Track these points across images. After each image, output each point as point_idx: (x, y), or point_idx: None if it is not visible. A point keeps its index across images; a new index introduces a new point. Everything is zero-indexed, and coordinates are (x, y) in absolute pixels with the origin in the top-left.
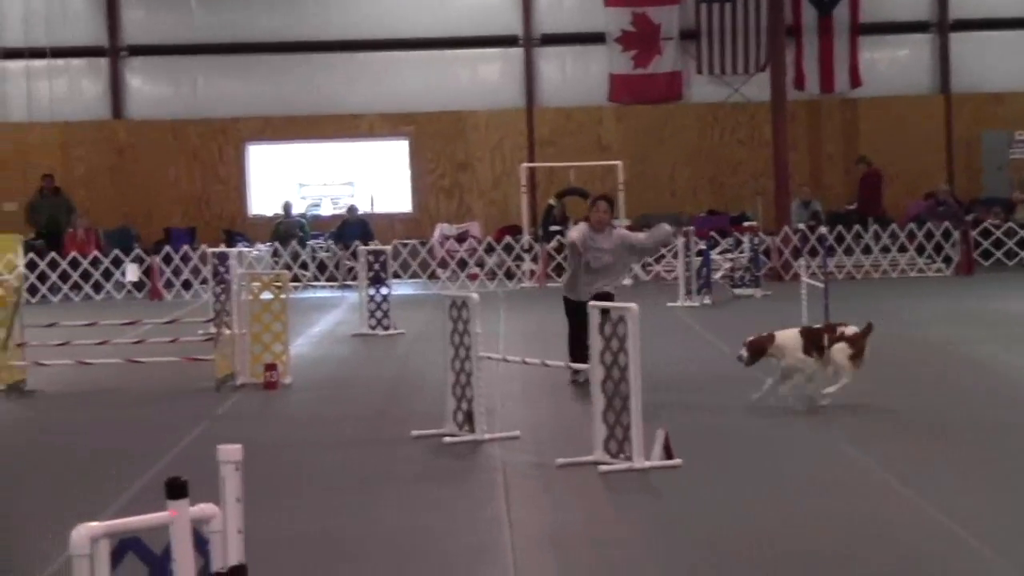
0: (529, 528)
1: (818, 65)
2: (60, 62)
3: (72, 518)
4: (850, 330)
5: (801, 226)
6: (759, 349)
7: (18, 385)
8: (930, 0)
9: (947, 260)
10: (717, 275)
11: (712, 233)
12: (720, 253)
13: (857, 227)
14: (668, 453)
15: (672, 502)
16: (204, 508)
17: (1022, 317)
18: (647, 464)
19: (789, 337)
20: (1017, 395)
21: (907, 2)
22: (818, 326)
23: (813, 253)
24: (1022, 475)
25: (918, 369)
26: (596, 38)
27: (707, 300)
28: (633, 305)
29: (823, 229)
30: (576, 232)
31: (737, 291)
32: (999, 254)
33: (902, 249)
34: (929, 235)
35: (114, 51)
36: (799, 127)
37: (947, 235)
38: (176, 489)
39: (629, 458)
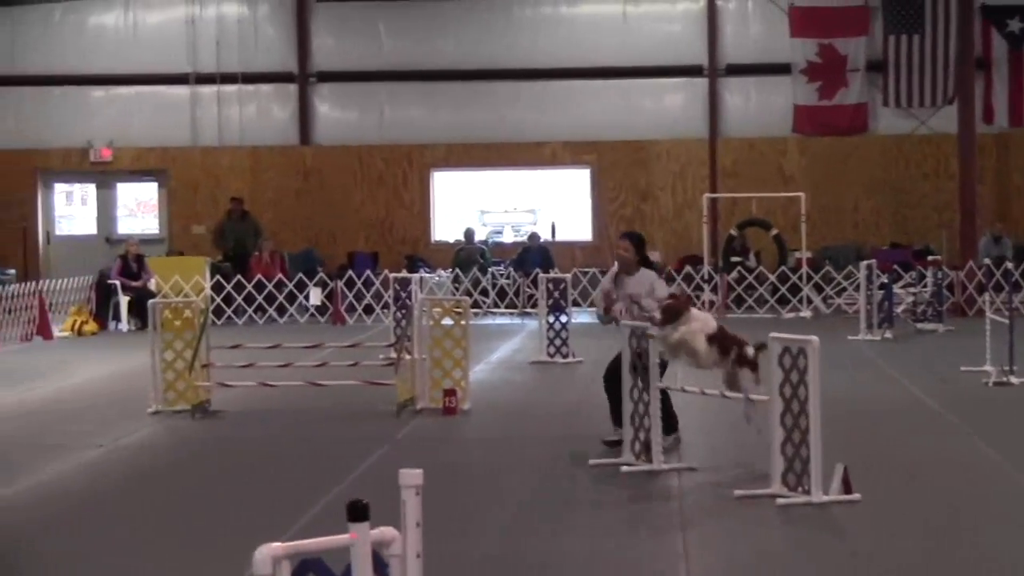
0: (705, 559)
1: (1007, 98)
2: (250, 87)
3: (254, 538)
4: (751, 351)
5: (987, 261)
6: (674, 310)
7: (203, 405)
8: None
9: None
10: (899, 309)
11: (895, 266)
12: (902, 287)
13: None
14: (847, 487)
15: (850, 537)
16: (384, 531)
17: None
18: (825, 498)
19: (704, 319)
20: None
21: None
22: (733, 334)
23: (998, 288)
24: None
25: None
26: (781, 69)
27: (888, 334)
28: (814, 338)
29: (1009, 264)
30: (606, 277)
31: (919, 326)
32: None
33: None
34: None
35: (303, 77)
36: (987, 160)
37: None
38: (357, 512)
39: (807, 492)
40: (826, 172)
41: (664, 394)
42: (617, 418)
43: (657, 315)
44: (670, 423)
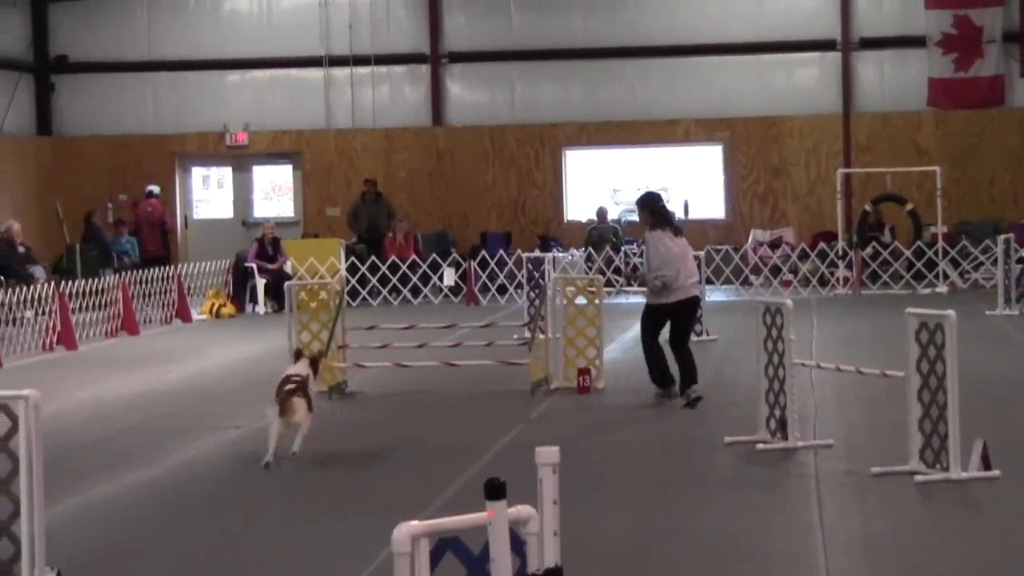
0: (842, 535)
1: None
2: (383, 69)
3: (392, 517)
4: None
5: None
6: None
7: (340, 386)
8: None
9: None
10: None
11: None
12: None
13: None
14: (986, 464)
15: (990, 513)
16: (521, 510)
17: None
18: (964, 475)
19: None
20: None
21: None
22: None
23: None
24: None
25: None
26: (916, 41)
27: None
28: (951, 313)
29: None
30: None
31: None
32: None
33: None
34: None
35: (435, 58)
36: None
37: None
38: (495, 490)
39: (946, 468)
40: (962, 146)
41: (687, 350)
42: (663, 377)
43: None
44: (691, 376)
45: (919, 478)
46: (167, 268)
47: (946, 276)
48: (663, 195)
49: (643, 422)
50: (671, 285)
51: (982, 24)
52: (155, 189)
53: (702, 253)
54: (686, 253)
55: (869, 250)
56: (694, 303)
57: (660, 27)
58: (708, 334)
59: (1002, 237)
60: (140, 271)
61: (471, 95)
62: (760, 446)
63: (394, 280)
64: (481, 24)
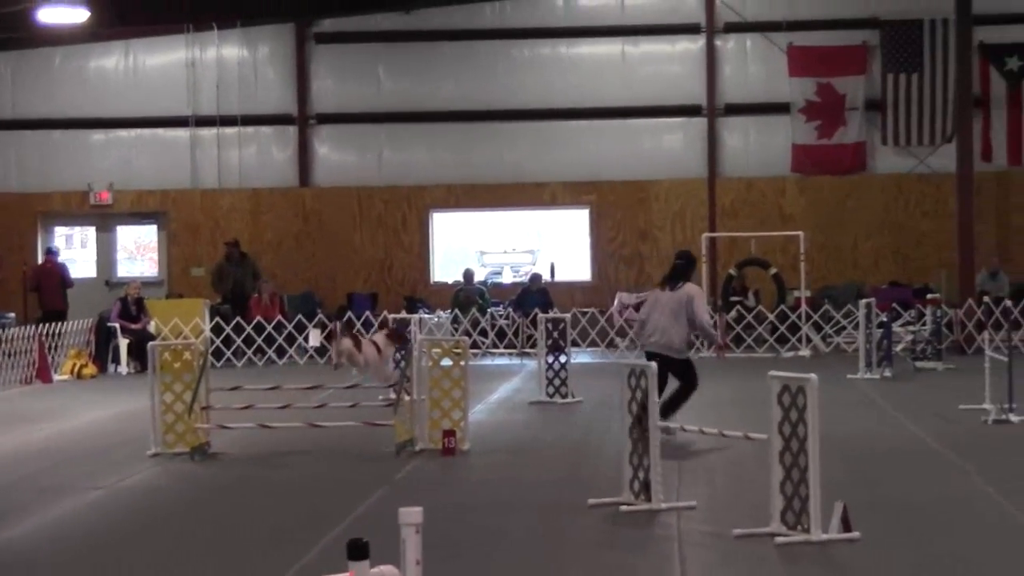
0: None
1: (1006, 136)
2: (250, 130)
3: None
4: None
5: (986, 299)
6: None
7: (202, 447)
8: None
9: None
10: (898, 347)
11: (894, 305)
12: (902, 325)
13: None
14: (847, 526)
15: (849, 575)
16: (384, 570)
17: None
18: (824, 537)
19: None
20: None
21: None
22: None
23: (997, 326)
24: None
25: None
26: (780, 108)
27: (888, 373)
28: (813, 376)
29: (1008, 302)
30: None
31: (918, 364)
32: None
33: None
34: None
35: (303, 119)
36: (986, 199)
37: None
38: (357, 550)
39: (807, 530)
40: (825, 211)
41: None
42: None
43: None
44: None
45: (780, 540)
46: (26, 328)
47: (809, 340)
48: (531, 257)
49: (508, 484)
50: (640, 333)
51: (844, 92)
52: (55, 247)
53: (568, 316)
54: (662, 310)
55: (733, 314)
56: (658, 357)
57: (528, 91)
58: (573, 396)
59: (864, 301)
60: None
61: (339, 156)
62: (624, 508)
63: (259, 341)
64: (349, 86)
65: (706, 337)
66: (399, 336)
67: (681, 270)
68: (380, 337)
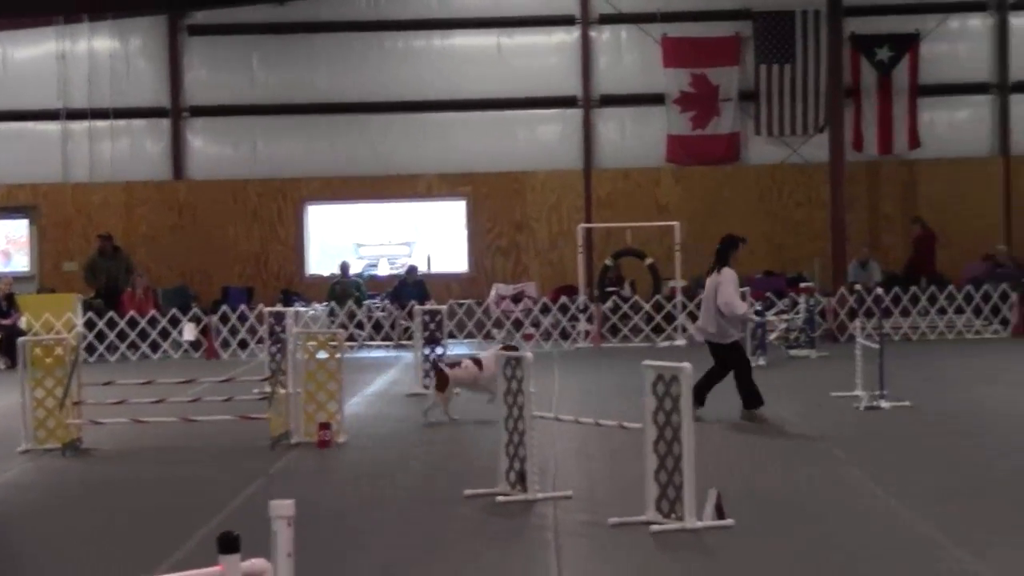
0: None
1: (876, 126)
2: (122, 123)
3: (126, 574)
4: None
5: (858, 287)
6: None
7: (74, 443)
8: (990, 61)
9: (1004, 322)
10: (772, 336)
11: (768, 294)
12: (776, 314)
13: (913, 288)
14: (720, 513)
15: (724, 562)
16: (255, 563)
17: None
18: (699, 524)
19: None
20: None
21: (967, 63)
22: None
23: (869, 314)
24: None
25: (969, 431)
26: (655, 99)
27: (762, 361)
28: (687, 365)
29: (879, 290)
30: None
31: (792, 352)
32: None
33: (959, 311)
34: (986, 297)
35: (176, 112)
36: (857, 188)
37: (1005, 297)
38: (227, 544)
39: (681, 518)
40: (700, 201)
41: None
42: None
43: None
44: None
45: (655, 528)
46: None
47: (684, 329)
48: (407, 249)
49: (384, 476)
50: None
51: (718, 83)
52: None
53: (445, 307)
54: (705, 296)
55: (609, 304)
56: (710, 344)
57: (403, 82)
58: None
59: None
60: None
61: (213, 149)
62: (500, 499)
63: (133, 335)
64: (223, 78)
65: (733, 317)
66: (512, 350)
67: (719, 254)
68: (494, 351)
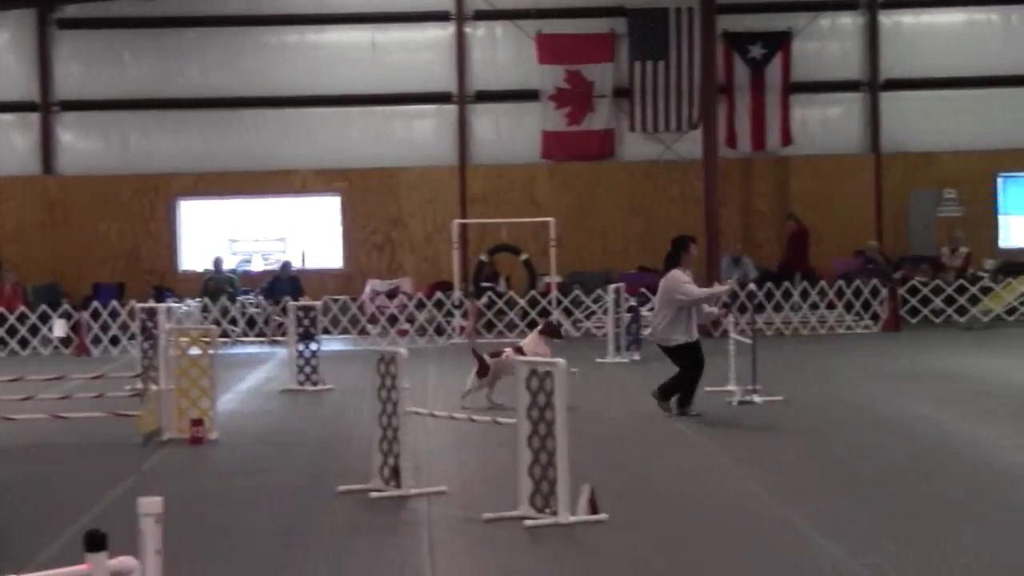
0: None
1: (749, 123)
2: None
3: None
4: None
5: (730, 282)
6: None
7: None
8: (861, 59)
9: (875, 317)
10: (646, 331)
11: (643, 289)
12: (650, 309)
13: (786, 284)
14: (593, 508)
15: (596, 557)
16: (123, 561)
17: (946, 374)
18: (572, 519)
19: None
20: (932, 449)
21: (838, 61)
22: None
23: (743, 310)
24: (933, 522)
25: (841, 425)
26: (530, 95)
27: (636, 356)
28: (561, 360)
29: (752, 286)
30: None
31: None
32: (926, 311)
33: (831, 306)
34: (857, 292)
35: (46, 106)
36: (731, 185)
37: (875, 292)
38: (94, 542)
39: (555, 513)
40: (575, 197)
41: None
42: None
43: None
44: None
45: (529, 523)
46: None
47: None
48: (281, 245)
49: (257, 473)
50: None
51: (593, 79)
52: None
53: (319, 303)
54: (657, 299)
55: (484, 299)
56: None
57: (277, 77)
58: (325, 384)
59: (612, 286)
60: None
61: (84, 144)
62: (374, 494)
63: (1, 332)
64: (94, 73)
65: (707, 306)
66: (554, 330)
67: (670, 257)
68: (533, 337)
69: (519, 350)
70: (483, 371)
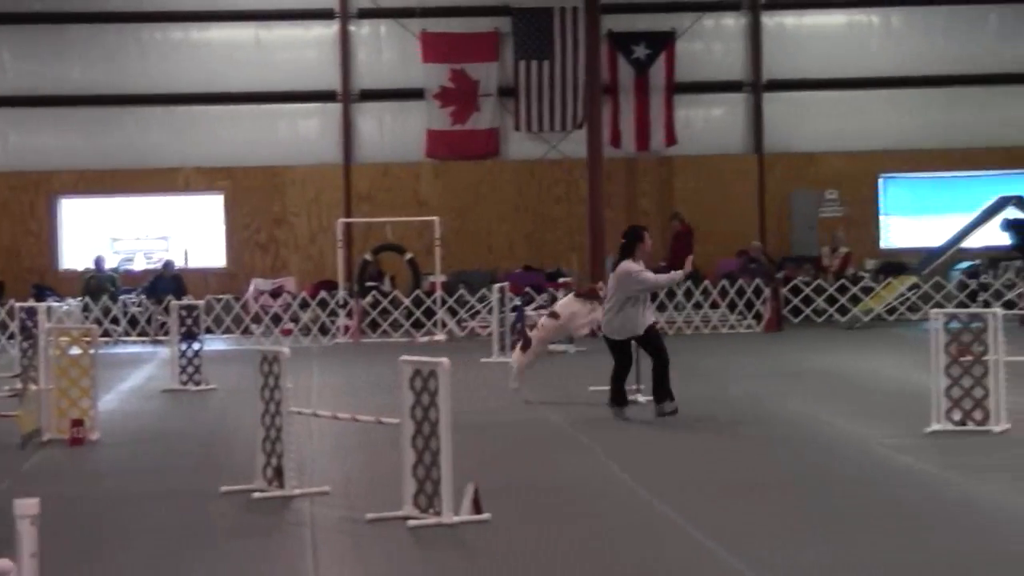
0: None
1: (634, 123)
2: None
3: None
4: None
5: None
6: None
7: None
8: (744, 60)
9: (758, 317)
10: (531, 331)
11: (527, 289)
12: (535, 309)
13: None
14: (477, 508)
15: (480, 556)
16: None
17: (828, 373)
18: (456, 519)
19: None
20: (815, 448)
21: (722, 62)
22: None
23: None
24: (815, 520)
25: (724, 424)
26: (415, 94)
27: None
28: (444, 360)
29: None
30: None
31: (551, 347)
32: (808, 311)
33: (714, 306)
34: (741, 292)
35: None
36: (615, 184)
37: (758, 292)
38: None
39: (438, 513)
40: (460, 196)
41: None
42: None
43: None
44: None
45: (412, 523)
46: None
47: (444, 324)
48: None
49: (139, 473)
50: None
51: (478, 78)
52: None
53: (202, 303)
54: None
55: (369, 299)
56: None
57: (161, 75)
58: (207, 383)
59: (497, 286)
60: None
61: None
62: (257, 495)
63: None
64: None
65: (665, 287)
66: (590, 291)
67: (624, 248)
68: (568, 298)
69: (553, 315)
70: (525, 346)
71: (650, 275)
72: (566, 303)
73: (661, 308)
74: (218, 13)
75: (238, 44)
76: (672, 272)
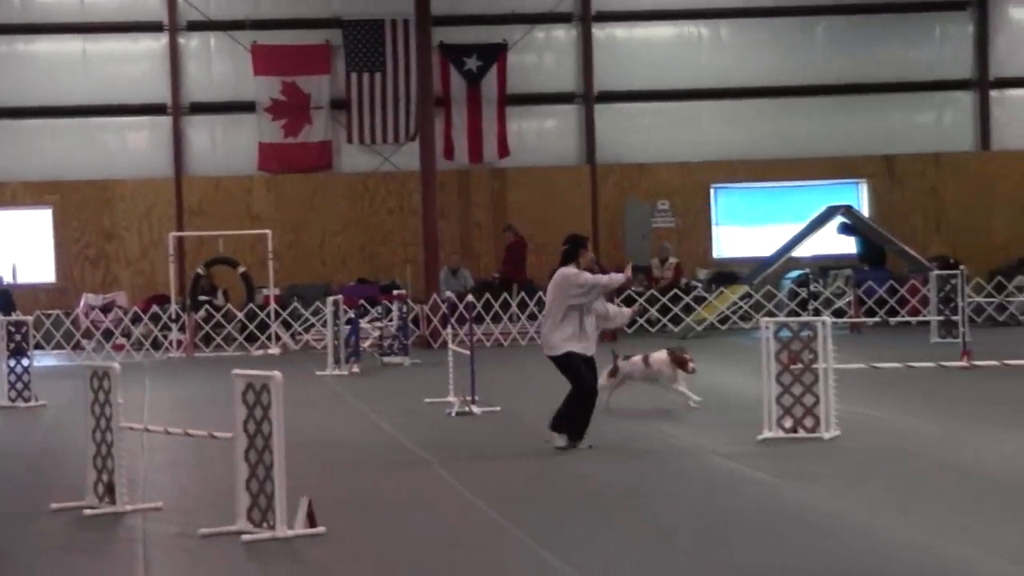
0: None
1: (466, 135)
2: None
3: None
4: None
5: (449, 294)
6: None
7: None
8: (575, 72)
9: None
10: (366, 344)
11: (362, 301)
12: (369, 322)
13: (504, 295)
14: (312, 521)
15: (315, 569)
16: None
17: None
18: (291, 533)
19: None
20: (652, 459)
21: (553, 74)
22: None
23: (461, 321)
24: (647, 528)
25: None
26: (246, 107)
27: (356, 368)
28: (277, 373)
29: (471, 297)
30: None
31: (386, 359)
32: (641, 321)
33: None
34: None
35: None
36: (449, 196)
37: None
38: None
39: (272, 527)
40: (293, 210)
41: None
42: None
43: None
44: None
45: (246, 537)
46: None
47: (278, 338)
48: None
49: None
50: None
51: (309, 91)
52: None
53: (31, 318)
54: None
55: (202, 313)
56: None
57: None
58: (37, 400)
59: (331, 299)
60: None
61: None
62: (88, 511)
63: None
64: None
65: (609, 290)
66: (681, 360)
67: (565, 256)
68: (662, 354)
69: (645, 359)
70: (613, 372)
71: (588, 275)
72: (660, 357)
73: (495, 319)
74: (44, 25)
75: (65, 56)
76: (612, 274)
